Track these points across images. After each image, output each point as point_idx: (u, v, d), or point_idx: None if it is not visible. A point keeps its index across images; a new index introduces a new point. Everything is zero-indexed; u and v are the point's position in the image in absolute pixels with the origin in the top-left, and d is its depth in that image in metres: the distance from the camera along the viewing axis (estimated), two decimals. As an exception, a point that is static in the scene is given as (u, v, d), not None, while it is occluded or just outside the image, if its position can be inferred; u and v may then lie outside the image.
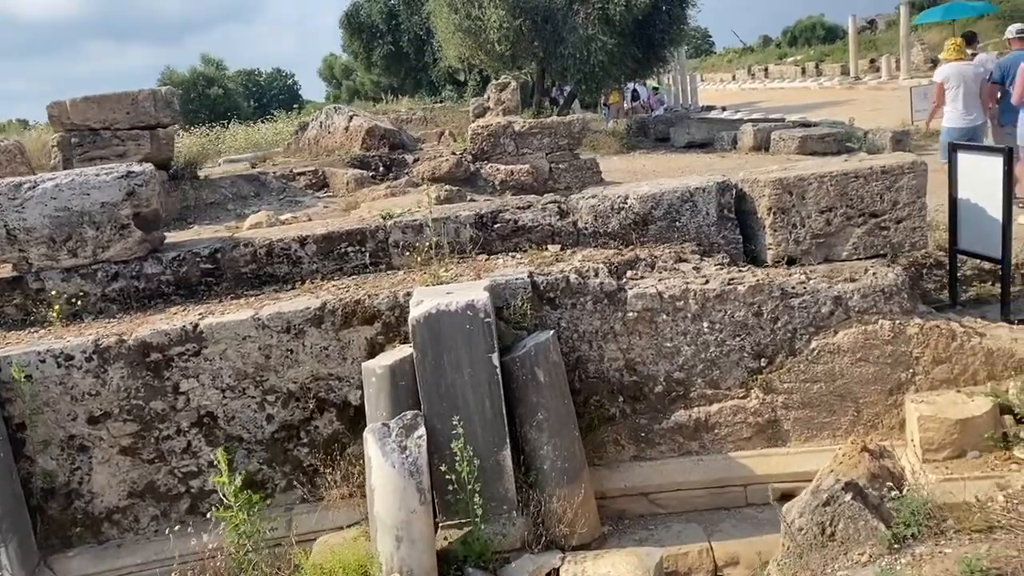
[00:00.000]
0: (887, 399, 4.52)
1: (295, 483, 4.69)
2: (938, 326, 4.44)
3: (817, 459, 4.38)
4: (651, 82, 29.40)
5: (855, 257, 4.98)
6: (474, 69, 20.67)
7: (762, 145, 14.94)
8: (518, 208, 5.26)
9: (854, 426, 4.56)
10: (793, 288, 4.57)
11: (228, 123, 21.84)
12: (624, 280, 4.70)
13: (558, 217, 5.18)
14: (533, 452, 4.29)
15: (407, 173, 7.74)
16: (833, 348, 4.51)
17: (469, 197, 7.51)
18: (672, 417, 4.65)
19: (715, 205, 5.06)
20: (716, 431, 4.64)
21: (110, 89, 6.87)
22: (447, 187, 6.57)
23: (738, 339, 4.58)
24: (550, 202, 5.30)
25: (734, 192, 5.19)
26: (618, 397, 4.68)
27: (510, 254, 5.10)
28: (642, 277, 4.76)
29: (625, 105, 25.55)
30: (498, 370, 4.14)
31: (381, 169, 7.82)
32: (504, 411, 4.19)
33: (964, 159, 5.33)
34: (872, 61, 34.35)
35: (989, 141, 7.76)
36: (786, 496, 4.46)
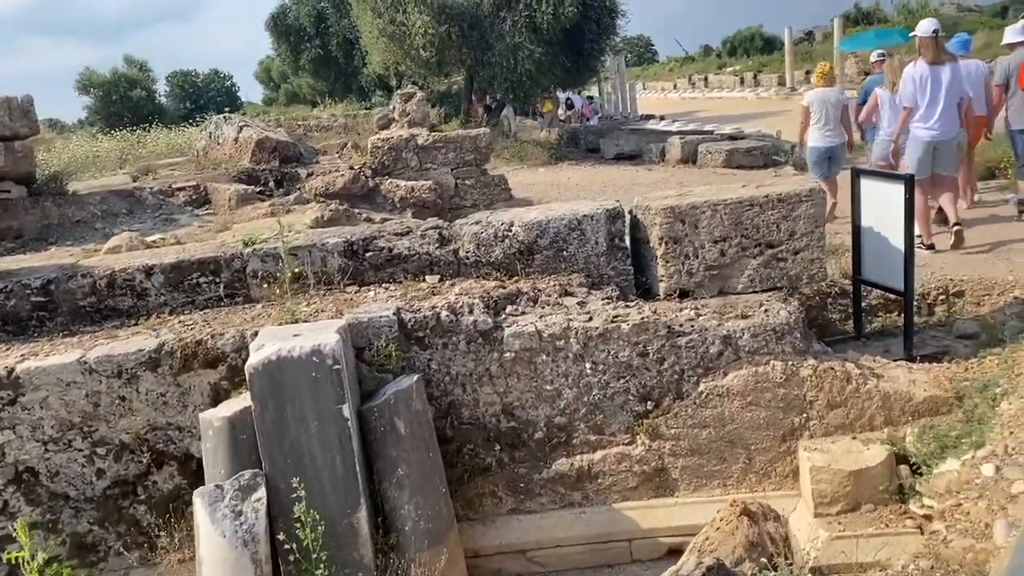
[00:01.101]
0: (780, 445, 4.21)
1: (131, 545, 4.15)
2: (832, 368, 4.15)
3: (706, 510, 4.05)
4: (588, 91, 29.32)
5: (751, 290, 4.68)
6: (403, 76, 20.16)
7: (689, 158, 14.82)
8: (395, 235, 4.82)
9: (745, 474, 4.24)
10: (681, 326, 4.23)
11: (150, 126, 20.91)
12: (503, 316, 4.30)
13: (438, 245, 4.75)
14: (393, 512, 3.85)
15: (299, 188, 7.23)
16: (722, 391, 4.18)
17: (365, 216, 7.04)
18: (553, 466, 4.26)
19: (604, 233, 4.71)
20: (600, 480, 4.26)
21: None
22: (333, 206, 6.08)
23: (623, 381, 4.22)
24: (431, 228, 4.87)
25: (626, 219, 4.84)
26: (495, 445, 4.27)
27: (383, 285, 4.65)
28: (523, 312, 4.37)
29: (560, 114, 25.33)
30: (350, 423, 3.69)
31: (271, 184, 7.29)
32: (359, 468, 3.73)
33: (867, 185, 5.09)
34: (808, 72, 34.83)
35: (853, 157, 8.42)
36: (674, 551, 4.12)
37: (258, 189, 7.13)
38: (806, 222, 4.62)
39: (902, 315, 5.34)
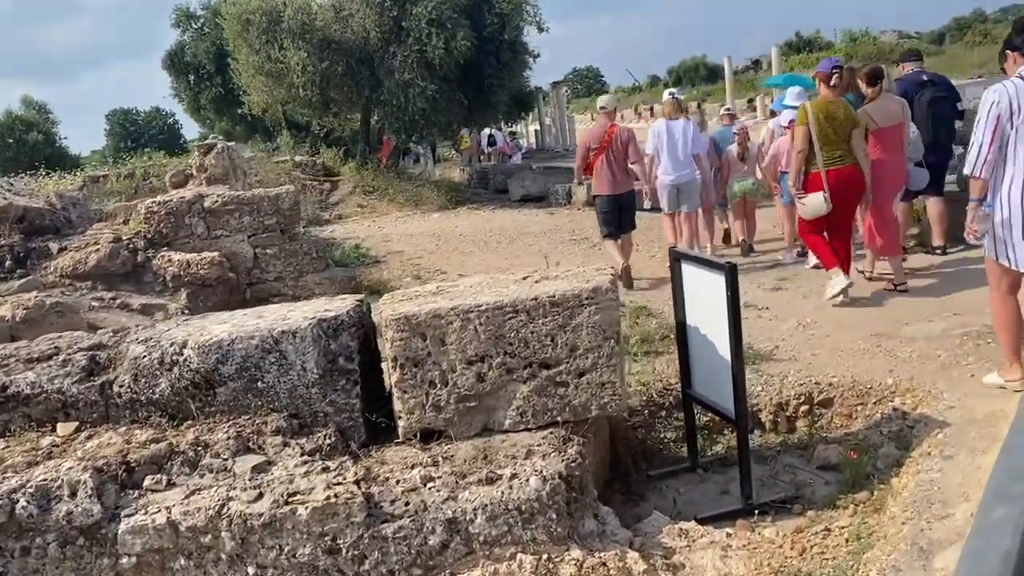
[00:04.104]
0: None
1: None
2: (604, 564, 2.83)
3: None
4: (513, 126, 28.37)
5: (522, 426, 3.39)
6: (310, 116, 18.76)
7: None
8: (26, 361, 3.43)
9: None
10: (392, 504, 2.90)
11: (38, 172, 19.26)
12: (133, 496, 2.93)
13: (81, 377, 3.37)
14: None
15: (44, 268, 5.83)
16: (448, 603, 2.84)
17: (120, 302, 5.64)
18: None
19: (316, 355, 3.36)
20: None
21: None
22: (35, 300, 4.64)
23: (305, 591, 2.86)
24: (83, 351, 3.49)
25: (356, 331, 3.51)
26: None
27: (-11, 442, 3.24)
28: (169, 485, 3.00)
29: (485, 151, 24.22)
30: None
31: (8, 263, 5.86)
32: None
33: (689, 272, 3.85)
34: (750, 100, 34.44)
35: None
36: None
37: (-14, 271, 5.70)
38: (591, 333, 3.34)
39: (750, 440, 4.09)
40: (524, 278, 3.74)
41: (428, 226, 12.53)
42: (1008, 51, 3.86)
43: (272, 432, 3.27)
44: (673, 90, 8.44)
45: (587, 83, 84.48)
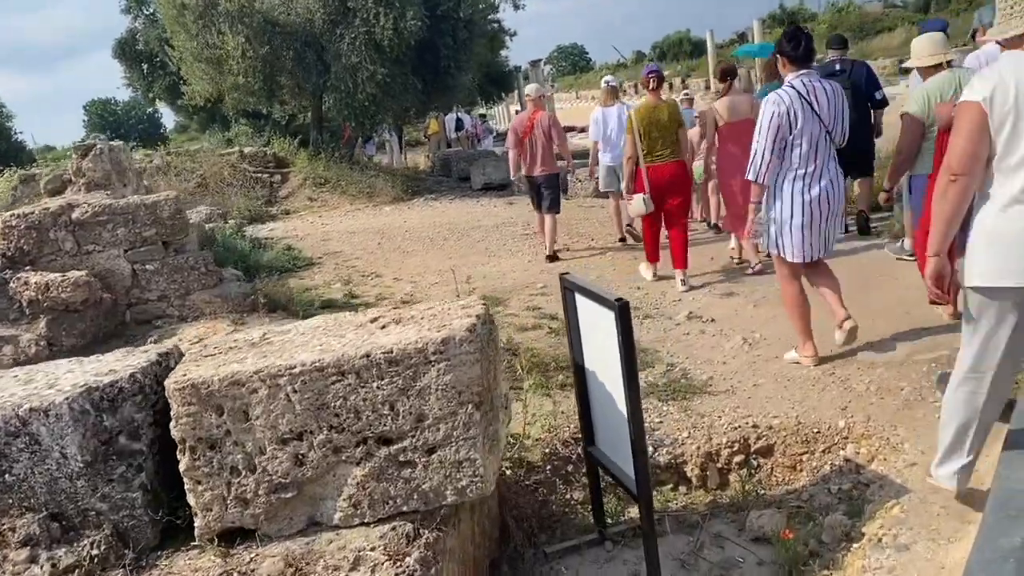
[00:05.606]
0: None
1: None
2: None
3: None
4: (481, 108, 27.48)
5: (357, 520, 2.62)
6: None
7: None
8: None
9: None
10: (141, 656, 2.13)
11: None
12: None
13: None
14: None
15: None
16: None
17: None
18: None
19: (80, 437, 2.57)
20: None
21: None
22: None
23: None
24: None
25: (146, 399, 2.72)
26: None
27: None
28: None
29: (451, 135, 23.28)
30: None
31: None
32: None
33: (583, 305, 3.07)
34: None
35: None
36: None
37: None
38: (442, 398, 2.57)
39: (667, 501, 3.35)
40: (373, 320, 2.95)
41: (376, 221, 11.71)
42: (778, 55, 4.14)
43: (19, 542, 2.49)
44: (609, 78, 8.71)
45: (572, 60, 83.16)
